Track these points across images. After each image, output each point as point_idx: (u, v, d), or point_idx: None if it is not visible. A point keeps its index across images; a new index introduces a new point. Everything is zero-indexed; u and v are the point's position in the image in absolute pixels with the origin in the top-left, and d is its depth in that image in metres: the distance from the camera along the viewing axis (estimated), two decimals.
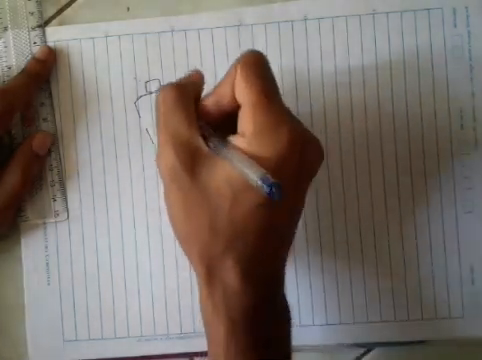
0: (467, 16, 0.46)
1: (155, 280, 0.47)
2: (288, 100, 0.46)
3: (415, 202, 0.46)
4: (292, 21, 0.47)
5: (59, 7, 0.48)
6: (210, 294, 0.38)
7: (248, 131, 0.37)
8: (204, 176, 0.37)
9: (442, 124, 0.46)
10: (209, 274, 0.37)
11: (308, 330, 0.46)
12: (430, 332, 0.46)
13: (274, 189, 0.34)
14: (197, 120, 0.38)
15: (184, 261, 0.46)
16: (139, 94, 0.47)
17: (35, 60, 0.47)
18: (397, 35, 0.46)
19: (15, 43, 0.47)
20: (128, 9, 0.48)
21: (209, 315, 0.38)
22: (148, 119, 0.47)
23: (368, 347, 0.47)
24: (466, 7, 0.46)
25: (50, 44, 0.47)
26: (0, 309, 0.47)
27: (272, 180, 0.34)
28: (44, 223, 0.47)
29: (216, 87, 0.39)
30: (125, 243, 0.47)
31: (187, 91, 0.39)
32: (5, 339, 0.47)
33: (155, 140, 0.47)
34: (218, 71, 0.47)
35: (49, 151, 0.48)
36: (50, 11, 0.48)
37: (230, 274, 0.37)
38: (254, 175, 0.35)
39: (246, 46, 0.46)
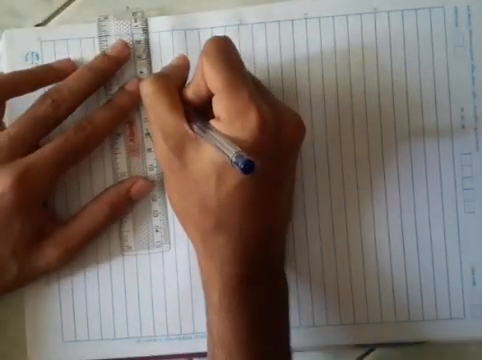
0: (469, 15, 0.46)
1: (155, 281, 0.47)
2: (288, 99, 0.46)
3: (416, 202, 0.46)
4: (292, 20, 0.46)
5: (59, 6, 0.48)
6: (206, 264, 0.41)
7: (222, 116, 0.39)
8: (191, 159, 0.39)
9: (443, 124, 0.46)
10: (204, 247, 0.41)
11: (308, 331, 0.46)
12: (431, 333, 0.46)
13: (247, 166, 0.35)
14: (182, 106, 0.40)
15: (183, 262, 0.47)
16: None
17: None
18: (398, 34, 0.46)
19: None
20: (127, 8, 0.47)
21: (206, 283, 0.41)
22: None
23: (369, 348, 0.47)
24: (468, 6, 0.46)
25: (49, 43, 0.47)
26: (0, 309, 0.47)
27: (246, 157, 0.35)
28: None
29: (193, 78, 0.41)
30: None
31: (168, 80, 0.41)
32: (5, 339, 0.47)
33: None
34: None
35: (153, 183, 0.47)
36: (49, 10, 0.48)
37: (223, 246, 0.40)
38: (229, 152, 0.36)
39: (246, 45, 0.46)
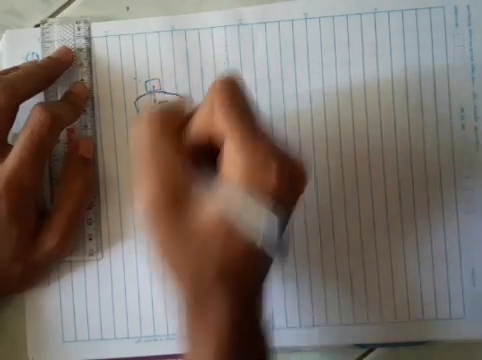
0: (469, 15, 0.46)
1: (155, 281, 0.47)
2: (288, 99, 0.46)
3: (416, 202, 0.46)
4: (292, 20, 0.46)
5: (58, 6, 0.48)
6: (199, 315, 0.37)
7: (235, 176, 0.35)
8: (192, 215, 0.36)
9: (443, 124, 0.46)
10: (198, 301, 0.37)
11: (308, 331, 0.46)
12: (431, 333, 0.46)
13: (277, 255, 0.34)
14: (190, 151, 0.37)
15: None
16: (139, 94, 0.47)
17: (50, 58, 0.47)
18: (398, 34, 0.46)
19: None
20: (128, 8, 0.48)
21: (197, 333, 0.37)
22: None
23: (369, 348, 0.47)
24: (468, 6, 0.46)
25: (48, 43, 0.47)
26: (0, 309, 0.47)
27: (274, 247, 0.34)
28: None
29: (193, 122, 0.37)
30: (124, 244, 0.47)
31: (175, 118, 0.38)
32: (5, 339, 0.48)
33: None
34: (218, 71, 0.46)
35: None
36: (49, 10, 0.48)
37: (221, 301, 0.36)
38: (255, 237, 0.34)
39: (246, 45, 0.46)
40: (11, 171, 0.42)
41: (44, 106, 0.43)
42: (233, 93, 0.36)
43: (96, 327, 0.47)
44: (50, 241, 0.44)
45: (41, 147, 0.43)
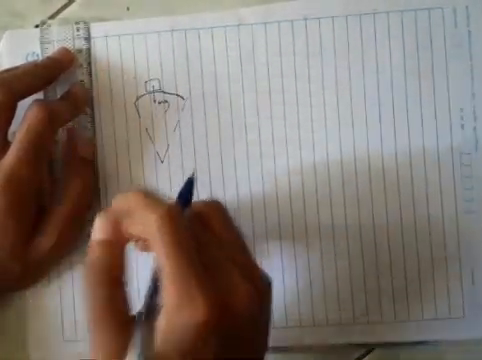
0: (467, 16, 0.46)
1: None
2: (288, 99, 0.46)
3: (415, 202, 0.46)
4: (292, 21, 0.47)
5: (58, 7, 0.48)
6: None
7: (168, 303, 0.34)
8: None
9: (442, 124, 0.46)
10: None
11: (308, 330, 0.46)
12: (430, 332, 0.46)
13: None
14: None
15: None
16: (139, 94, 0.47)
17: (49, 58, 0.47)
18: (397, 35, 0.46)
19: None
20: (128, 9, 0.48)
21: None
22: (148, 119, 0.47)
23: (368, 347, 0.47)
24: (466, 7, 0.46)
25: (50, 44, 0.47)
26: (2, 308, 0.47)
27: None
28: None
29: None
30: None
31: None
32: (5, 339, 0.48)
33: (155, 141, 0.47)
34: (217, 71, 0.47)
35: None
36: (49, 11, 0.48)
37: None
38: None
39: (246, 46, 0.47)
40: (9, 167, 0.42)
41: (41, 102, 0.44)
42: (173, 227, 0.34)
43: None
44: (48, 240, 0.44)
45: (38, 143, 0.43)
